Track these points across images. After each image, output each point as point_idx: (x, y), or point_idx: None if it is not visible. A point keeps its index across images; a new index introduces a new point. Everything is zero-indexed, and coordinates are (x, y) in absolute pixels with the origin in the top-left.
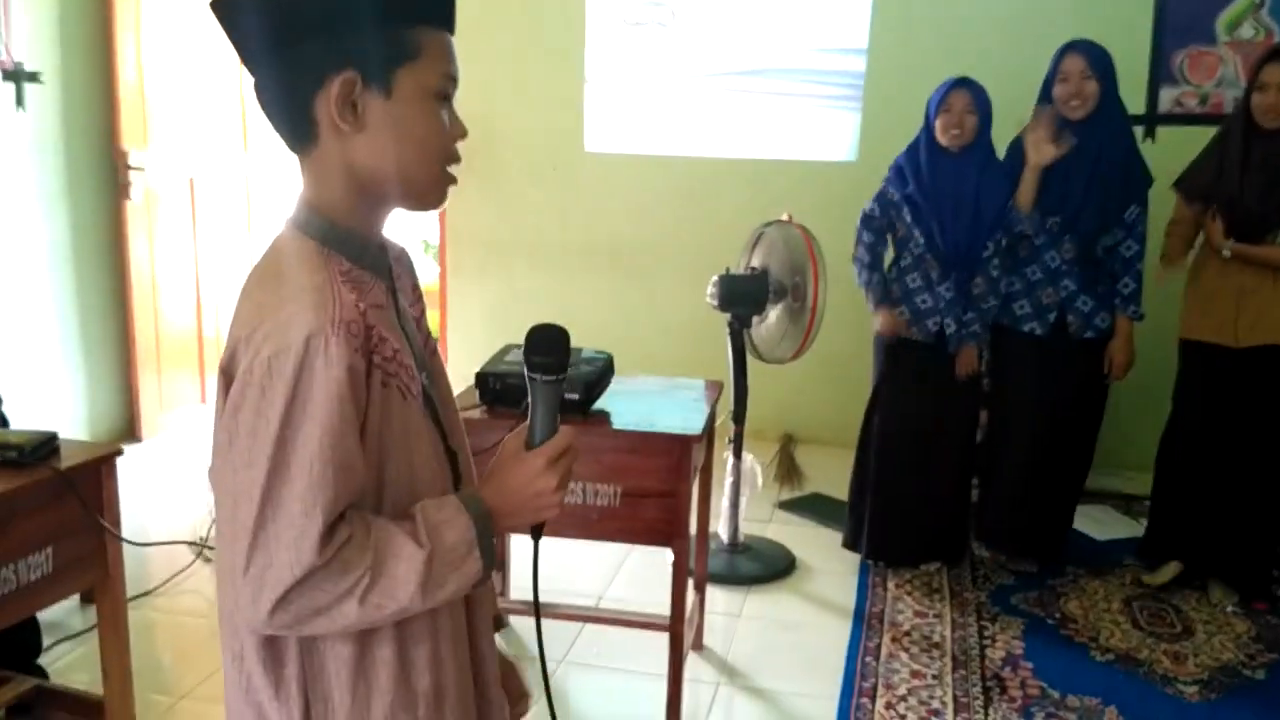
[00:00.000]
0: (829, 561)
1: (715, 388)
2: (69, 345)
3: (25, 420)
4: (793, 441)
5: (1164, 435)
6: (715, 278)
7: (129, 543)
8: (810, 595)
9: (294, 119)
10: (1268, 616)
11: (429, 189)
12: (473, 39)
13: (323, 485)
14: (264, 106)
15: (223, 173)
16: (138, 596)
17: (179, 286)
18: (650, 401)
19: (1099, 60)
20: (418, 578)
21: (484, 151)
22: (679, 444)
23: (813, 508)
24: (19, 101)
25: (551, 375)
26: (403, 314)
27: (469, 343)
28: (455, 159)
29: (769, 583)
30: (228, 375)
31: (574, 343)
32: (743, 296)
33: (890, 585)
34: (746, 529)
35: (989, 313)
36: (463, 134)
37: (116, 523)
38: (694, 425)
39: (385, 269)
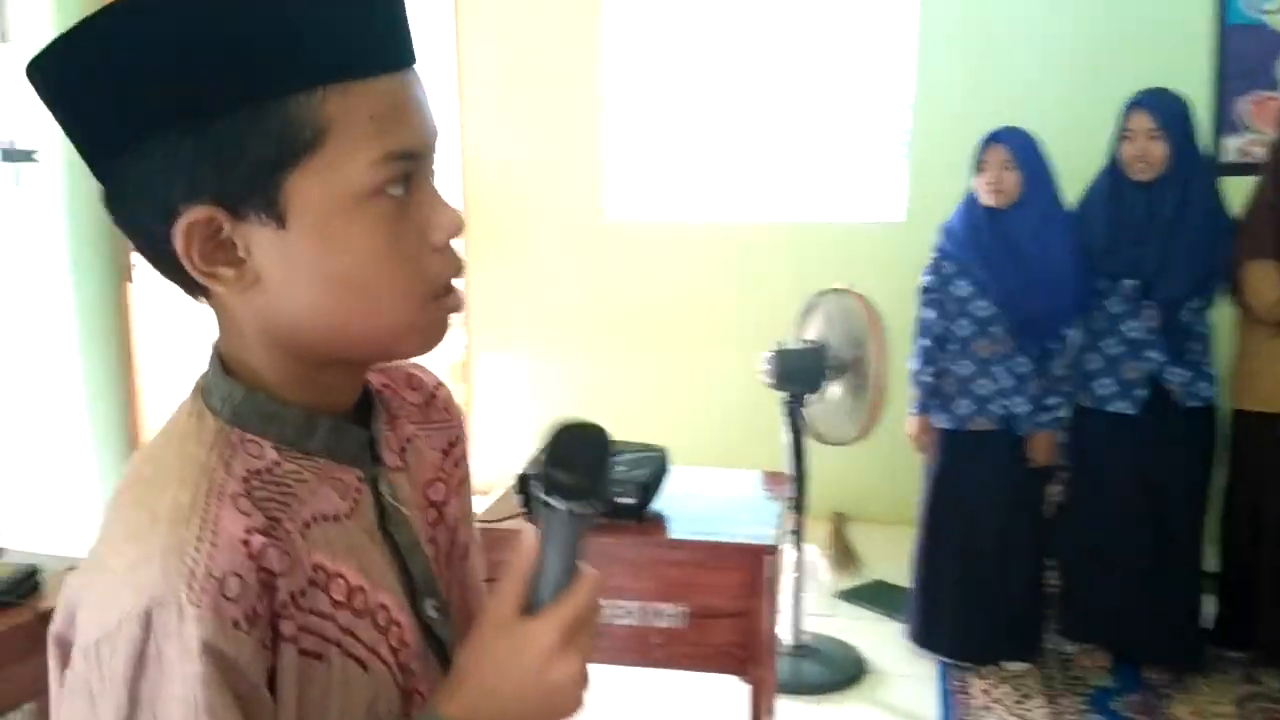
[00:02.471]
0: (901, 661)
1: (778, 481)
2: (72, 434)
3: (26, 525)
4: (844, 520)
5: (1225, 514)
6: (768, 353)
7: None
8: (888, 705)
9: (159, 262)
10: None
11: (399, 340)
12: (487, 103)
13: None
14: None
15: None
16: None
17: (189, 371)
18: (711, 502)
19: (1170, 117)
20: None
21: (505, 218)
22: (752, 555)
23: (876, 597)
24: (14, 181)
25: (580, 501)
26: (391, 515)
27: (497, 421)
28: (442, 279)
29: (839, 691)
30: (60, 644)
31: (609, 426)
32: (798, 373)
33: (975, 690)
34: (807, 625)
35: (1071, 395)
36: (454, 230)
37: None
38: (766, 532)
39: (361, 448)
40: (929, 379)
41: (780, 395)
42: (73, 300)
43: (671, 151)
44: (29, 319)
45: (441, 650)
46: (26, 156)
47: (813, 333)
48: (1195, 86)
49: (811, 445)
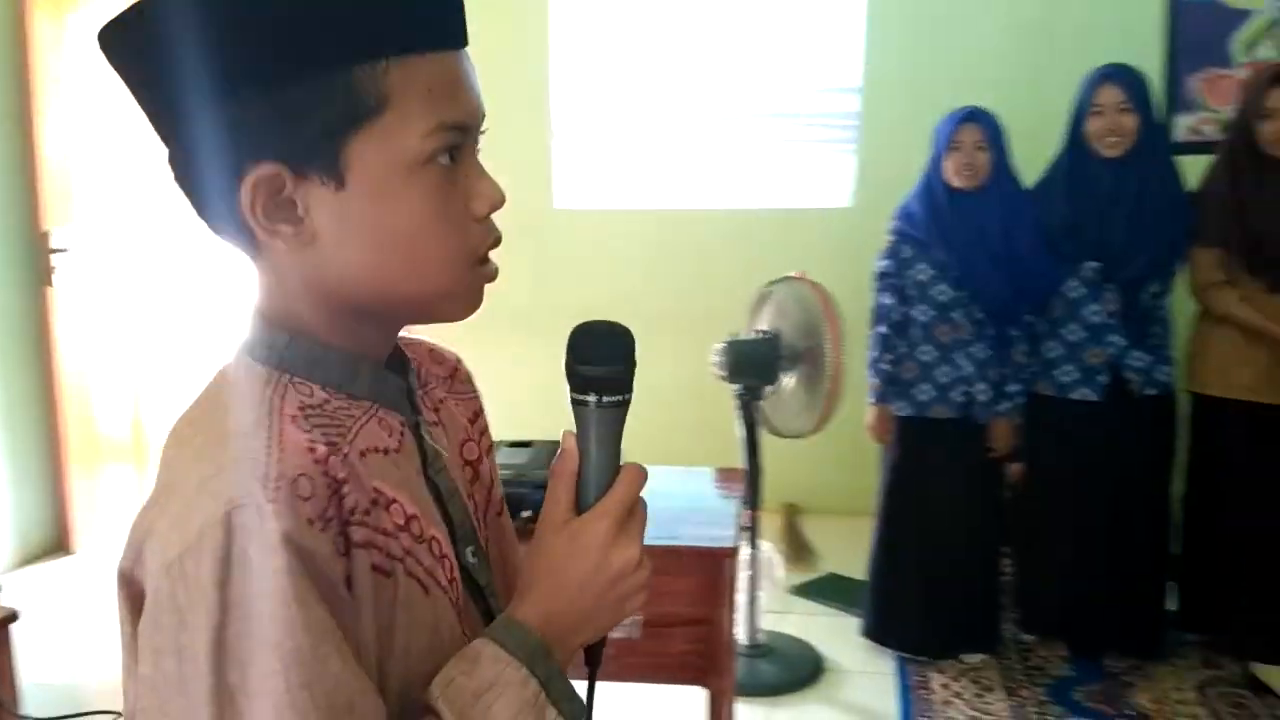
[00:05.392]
0: (859, 658)
1: (734, 478)
2: None
3: None
4: (797, 513)
5: (1186, 498)
6: (721, 344)
7: None
8: (847, 705)
9: (218, 220)
10: None
11: (442, 301)
12: None
13: None
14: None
15: (161, 248)
16: None
17: (114, 378)
18: (665, 502)
19: (1138, 89)
20: None
21: None
22: (711, 559)
23: (831, 591)
24: None
25: (615, 395)
26: (433, 460)
27: None
28: (483, 248)
29: (797, 691)
30: (129, 583)
31: (551, 427)
32: (752, 365)
33: (935, 685)
34: (762, 624)
35: (1030, 380)
36: (495, 202)
37: (13, 699)
38: (725, 534)
39: (401, 396)
40: (887, 367)
41: (733, 388)
42: None
43: (618, 138)
44: None
45: (480, 595)
46: None
47: (765, 322)
48: (1146, 63)
49: (765, 437)
